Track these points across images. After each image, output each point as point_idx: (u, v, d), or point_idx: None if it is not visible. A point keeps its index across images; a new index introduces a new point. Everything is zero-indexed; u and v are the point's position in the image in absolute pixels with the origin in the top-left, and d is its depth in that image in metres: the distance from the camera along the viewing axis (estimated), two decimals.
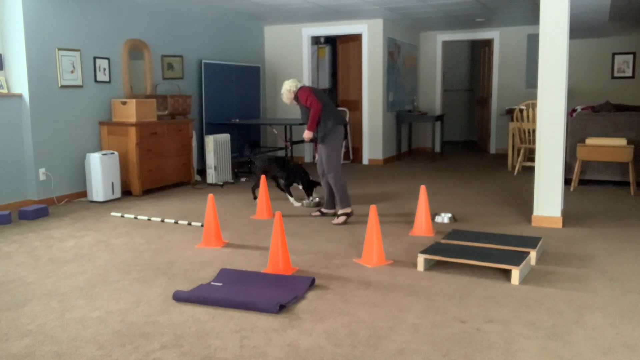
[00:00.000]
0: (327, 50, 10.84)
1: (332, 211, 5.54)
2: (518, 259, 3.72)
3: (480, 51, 11.65)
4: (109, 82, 6.85)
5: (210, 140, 7.39)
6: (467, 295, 3.38)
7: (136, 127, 6.53)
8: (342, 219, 5.27)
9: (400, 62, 10.19)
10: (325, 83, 11.04)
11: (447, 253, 3.90)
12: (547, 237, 4.71)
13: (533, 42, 10.36)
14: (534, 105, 7.97)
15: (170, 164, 7.12)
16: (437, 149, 11.22)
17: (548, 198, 5.05)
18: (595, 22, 8.17)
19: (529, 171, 8.10)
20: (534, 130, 7.79)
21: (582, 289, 3.47)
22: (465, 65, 13.15)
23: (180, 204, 6.27)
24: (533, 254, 3.99)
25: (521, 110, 8.19)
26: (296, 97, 5.37)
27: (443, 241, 4.30)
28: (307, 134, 5.26)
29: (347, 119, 9.91)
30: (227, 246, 4.55)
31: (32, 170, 6.03)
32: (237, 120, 8.69)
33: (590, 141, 6.71)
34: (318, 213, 5.57)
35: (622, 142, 6.52)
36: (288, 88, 5.40)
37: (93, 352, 2.69)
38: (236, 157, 8.77)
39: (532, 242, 4.18)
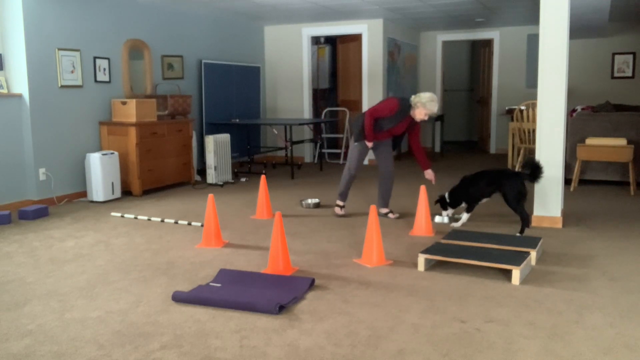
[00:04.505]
0: (327, 50, 10.84)
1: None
2: (519, 258, 3.72)
3: (480, 51, 11.65)
4: (109, 82, 6.85)
5: (210, 140, 7.39)
6: (467, 295, 3.38)
7: (136, 127, 6.53)
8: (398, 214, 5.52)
9: (400, 62, 10.19)
10: (325, 83, 11.04)
11: (448, 253, 3.90)
12: (547, 237, 4.71)
13: (533, 42, 10.36)
14: (534, 105, 7.97)
15: (170, 164, 7.12)
16: (437, 149, 11.21)
17: (548, 198, 5.05)
18: (595, 22, 8.17)
19: None
20: (534, 130, 7.79)
21: (582, 289, 3.47)
22: (465, 65, 13.15)
23: (180, 204, 6.27)
24: (533, 254, 3.99)
25: (521, 110, 8.19)
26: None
27: (443, 241, 4.30)
28: None
29: (347, 119, 9.91)
30: (227, 246, 4.55)
31: (32, 170, 6.03)
32: (237, 120, 8.69)
33: (590, 141, 6.71)
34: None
35: (622, 142, 6.52)
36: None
37: (93, 352, 2.69)
38: (236, 157, 8.78)
39: (532, 242, 4.18)
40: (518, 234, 4.68)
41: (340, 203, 5.54)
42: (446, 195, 5.22)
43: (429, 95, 5.03)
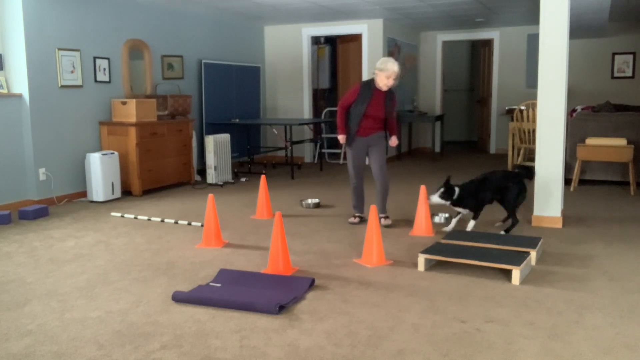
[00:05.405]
0: (327, 50, 10.83)
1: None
2: (519, 258, 3.72)
3: (480, 51, 11.65)
4: (109, 82, 6.85)
5: (210, 140, 7.39)
6: (467, 295, 3.38)
7: (136, 127, 6.53)
8: (390, 221, 5.22)
9: (400, 62, 10.18)
10: (325, 83, 11.04)
11: (448, 253, 3.90)
12: (547, 237, 4.71)
13: (533, 42, 10.35)
14: (534, 105, 7.97)
15: (170, 164, 7.12)
16: (437, 149, 11.21)
17: (548, 198, 5.05)
18: (595, 22, 8.17)
19: None
20: (534, 130, 7.79)
21: (582, 289, 3.47)
22: (465, 65, 13.15)
23: (180, 204, 6.27)
24: (533, 254, 3.99)
25: (521, 110, 8.19)
26: (391, 92, 5.11)
27: (443, 241, 4.30)
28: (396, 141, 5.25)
29: None
30: (227, 246, 4.55)
31: (32, 170, 6.03)
32: (237, 120, 8.69)
33: (590, 141, 6.71)
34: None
35: (622, 142, 6.52)
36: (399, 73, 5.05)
37: (93, 352, 2.69)
38: (236, 157, 8.78)
39: (532, 242, 4.18)
40: (503, 232, 4.73)
41: (355, 213, 5.37)
42: (456, 189, 4.93)
43: (382, 59, 5.05)
